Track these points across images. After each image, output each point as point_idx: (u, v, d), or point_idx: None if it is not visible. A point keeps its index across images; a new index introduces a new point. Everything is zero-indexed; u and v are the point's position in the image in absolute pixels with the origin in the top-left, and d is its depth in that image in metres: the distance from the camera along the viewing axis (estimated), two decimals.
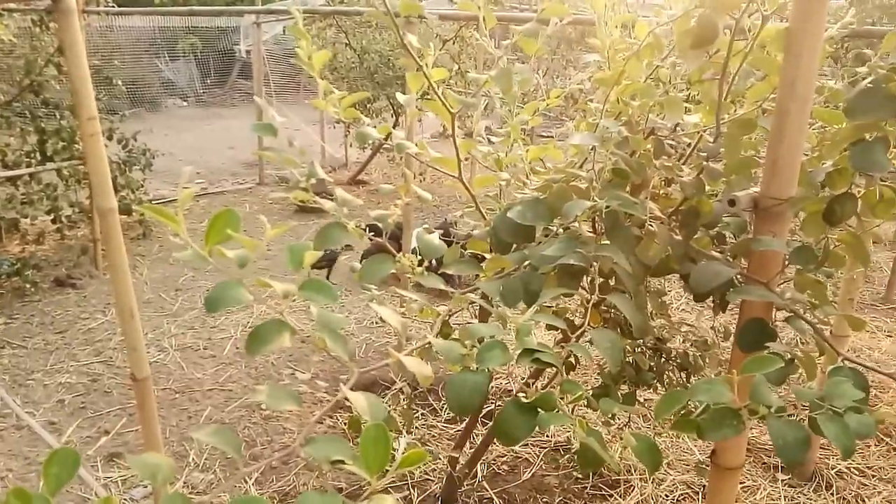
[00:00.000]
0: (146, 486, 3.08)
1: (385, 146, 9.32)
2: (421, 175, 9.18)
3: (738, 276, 1.37)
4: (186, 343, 4.50)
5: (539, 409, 1.10)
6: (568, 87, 2.38)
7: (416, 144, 1.78)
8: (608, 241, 1.38)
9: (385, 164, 10.06)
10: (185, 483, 3.11)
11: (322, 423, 3.83)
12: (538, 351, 1.11)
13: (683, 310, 5.04)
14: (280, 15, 9.13)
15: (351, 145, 9.58)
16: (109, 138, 6.19)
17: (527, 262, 1.41)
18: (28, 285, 5.02)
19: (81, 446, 3.34)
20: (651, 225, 1.40)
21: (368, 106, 8.66)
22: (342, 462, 0.92)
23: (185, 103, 15.44)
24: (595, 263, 1.32)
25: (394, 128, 7.07)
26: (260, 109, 8.86)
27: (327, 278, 5.87)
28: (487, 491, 3.17)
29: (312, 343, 4.49)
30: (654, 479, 3.21)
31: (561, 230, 1.48)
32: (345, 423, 3.74)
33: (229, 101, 16.26)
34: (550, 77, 9.94)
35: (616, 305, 1.36)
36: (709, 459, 1.59)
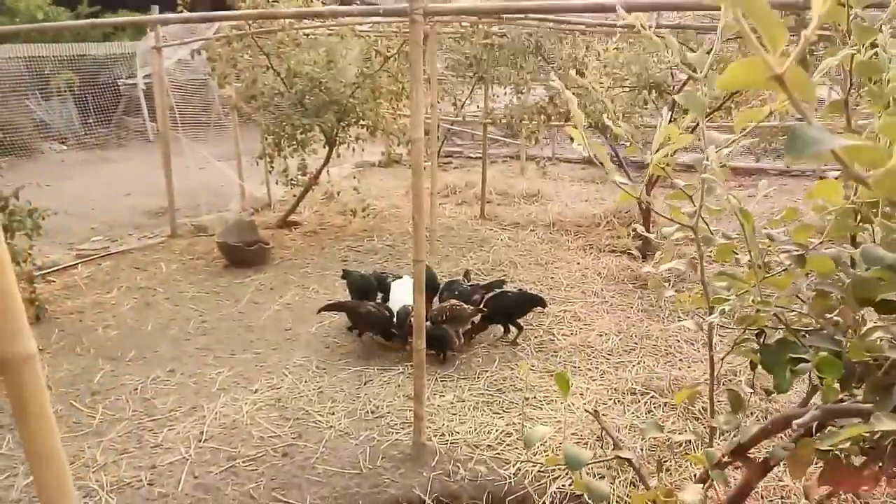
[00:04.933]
0: None
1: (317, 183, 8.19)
2: (363, 211, 8.11)
3: None
4: (122, 477, 3.23)
5: None
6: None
7: None
8: None
9: (316, 202, 8.89)
10: None
11: None
12: None
13: None
14: (184, 37, 7.87)
15: (277, 182, 8.33)
16: None
17: None
18: None
19: None
20: None
21: (300, 137, 7.48)
22: None
23: (64, 147, 13.51)
24: None
25: (327, 161, 5.81)
26: (164, 147, 7.51)
27: (354, 329, 4.78)
28: None
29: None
30: None
31: None
32: None
33: (116, 142, 14.44)
34: None
35: None
36: None
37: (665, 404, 3.87)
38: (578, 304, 5.46)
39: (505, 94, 8.42)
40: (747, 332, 1.68)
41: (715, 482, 1.35)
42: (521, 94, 6.90)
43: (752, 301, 1.28)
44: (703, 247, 1.49)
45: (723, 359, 1.51)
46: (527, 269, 6.39)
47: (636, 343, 4.74)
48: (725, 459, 1.36)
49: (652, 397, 3.95)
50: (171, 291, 5.89)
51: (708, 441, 1.50)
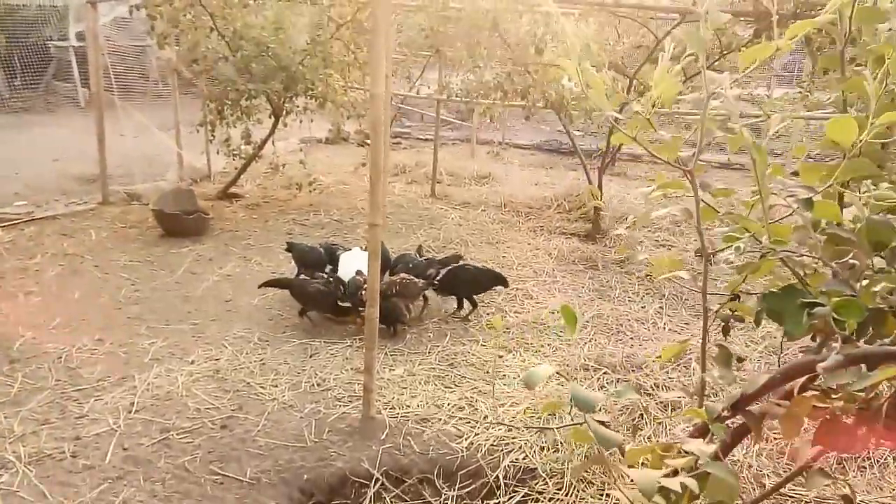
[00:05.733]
0: None
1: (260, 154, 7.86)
2: (310, 185, 7.82)
3: None
4: (43, 449, 2.96)
5: None
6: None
7: None
8: None
9: (259, 174, 8.55)
10: None
11: None
12: None
13: None
14: None
15: (218, 152, 7.94)
16: None
17: None
18: None
19: None
20: None
21: (244, 104, 7.12)
22: None
23: None
24: None
25: (272, 131, 5.49)
26: (97, 109, 7.06)
27: (301, 314, 4.52)
28: None
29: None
30: None
31: None
32: None
33: (44, 106, 13.59)
34: None
35: None
36: None
37: (618, 380, 3.82)
38: (530, 283, 5.39)
39: (458, 75, 8.23)
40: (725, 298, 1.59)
41: (714, 436, 1.25)
42: (478, 68, 6.73)
43: (766, 239, 1.18)
44: (699, 192, 1.38)
45: (717, 312, 1.41)
46: (478, 247, 6.28)
47: (588, 321, 4.70)
48: (725, 413, 1.26)
49: (605, 373, 3.90)
50: (102, 259, 5.52)
51: (699, 399, 1.40)
